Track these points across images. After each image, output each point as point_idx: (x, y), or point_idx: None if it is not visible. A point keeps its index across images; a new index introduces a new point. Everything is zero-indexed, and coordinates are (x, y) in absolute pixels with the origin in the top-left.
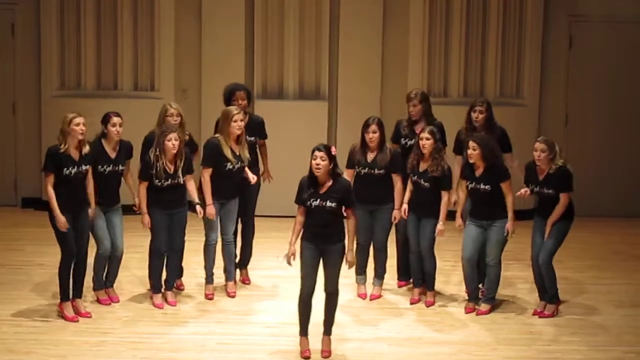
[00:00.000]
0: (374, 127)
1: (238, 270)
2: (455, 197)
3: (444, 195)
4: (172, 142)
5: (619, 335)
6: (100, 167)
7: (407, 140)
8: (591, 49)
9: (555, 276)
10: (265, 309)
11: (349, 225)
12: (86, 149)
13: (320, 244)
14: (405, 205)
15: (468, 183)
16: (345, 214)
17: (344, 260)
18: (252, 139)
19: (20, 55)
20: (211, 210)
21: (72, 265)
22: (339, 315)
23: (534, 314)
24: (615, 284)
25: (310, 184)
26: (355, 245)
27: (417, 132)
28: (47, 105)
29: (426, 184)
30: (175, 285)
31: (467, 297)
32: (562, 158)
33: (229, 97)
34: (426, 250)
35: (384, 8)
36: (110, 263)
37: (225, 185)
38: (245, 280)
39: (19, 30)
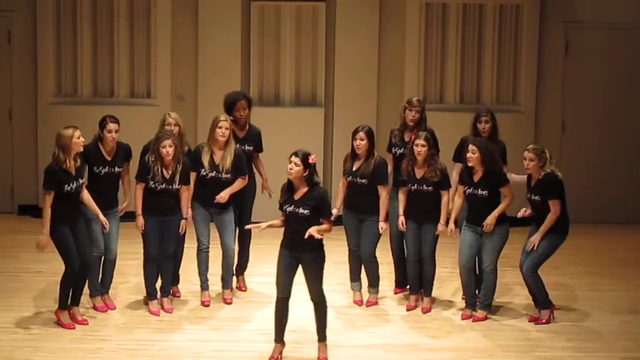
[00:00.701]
0: (361, 134)
1: (235, 277)
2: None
3: (444, 195)
4: (167, 149)
5: (615, 342)
6: (95, 168)
7: (397, 149)
8: (587, 55)
9: (543, 282)
10: (262, 315)
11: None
12: (79, 162)
13: (295, 251)
14: (402, 217)
15: (466, 188)
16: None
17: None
18: (250, 148)
19: (17, 62)
20: (183, 223)
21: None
22: (334, 322)
23: (530, 321)
24: (612, 290)
25: (287, 189)
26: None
27: (408, 139)
28: (43, 112)
29: (429, 188)
30: (171, 292)
31: (464, 304)
32: (553, 165)
33: (230, 107)
34: (428, 255)
35: (380, 15)
36: (104, 268)
37: (204, 192)
38: (242, 287)
39: (15, 37)
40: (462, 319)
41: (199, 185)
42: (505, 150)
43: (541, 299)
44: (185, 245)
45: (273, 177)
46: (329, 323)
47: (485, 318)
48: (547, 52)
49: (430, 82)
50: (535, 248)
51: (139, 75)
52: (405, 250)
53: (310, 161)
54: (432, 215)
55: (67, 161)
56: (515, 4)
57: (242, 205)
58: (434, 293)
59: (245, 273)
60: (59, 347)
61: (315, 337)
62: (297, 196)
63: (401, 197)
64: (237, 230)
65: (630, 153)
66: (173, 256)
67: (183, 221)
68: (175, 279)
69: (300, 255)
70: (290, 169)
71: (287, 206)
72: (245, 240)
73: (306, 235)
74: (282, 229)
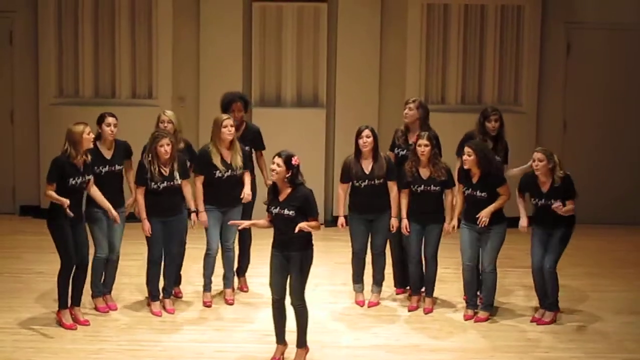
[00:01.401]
0: (367, 132)
1: (236, 278)
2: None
3: (448, 194)
4: (165, 148)
5: (617, 343)
6: (96, 168)
7: (399, 150)
8: (589, 55)
9: (558, 283)
10: (263, 316)
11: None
12: (88, 158)
13: (284, 251)
14: (405, 221)
15: (465, 189)
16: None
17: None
18: (248, 148)
19: (18, 63)
20: (203, 217)
21: (72, 274)
22: (336, 323)
23: (532, 321)
24: (613, 291)
25: (272, 190)
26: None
27: (412, 141)
28: (45, 113)
29: (436, 188)
30: (173, 292)
31: (465, 304)
32: (562, 168)
33: (226, 108)
34: (431, 255)
35: (382, 15)
36: (106, 267)
37: (219, 193)
38: (244, 288)
39: (17, 37)
40: (465, 320)
41: (212, 187)
42: (508, 150)
43: (552, 300)
44: (189, 246)
45: None
46: (331, 323)
47: (488, 319)
48: (548, 52)
49: (432, 82)
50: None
51: (141, 76)
52: (409, 251)
53: (293, 162)
54: (437, 216)
55: (79, 157)
56: (516, 4)
57: (244, 205)
58: (436, 294)
59: (247, 274)
60: (60, 347)
61: (318, 337)
62: (281, 197)
63: (403, 200)
64: (238, 231)
65: (631, 153)
66: (177, 257)
67: (193, 214)
68: (177, 280)
69: (289, 254)
70: (273, 170)
71: (272, 208)
72: (245, 241)
73: (296, 230)
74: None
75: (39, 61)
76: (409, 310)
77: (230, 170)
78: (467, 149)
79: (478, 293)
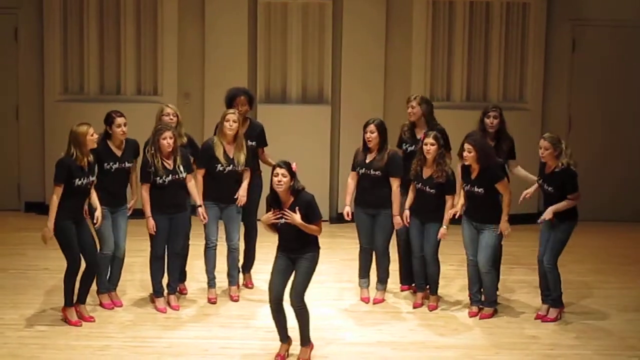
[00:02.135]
0: (371, 127)
1: (241, 274)
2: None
3: (448, 200)
4: (167, 141)
5: (622, 340)
6: (106, 164)
7: (407, 145)
8: (594, 52)
9: (560, 279)
10: (268, 313)
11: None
12: (91, 157)
13: (292, 255)
14: (407, 212)
15: (464, 185)
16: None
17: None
18: (253, 144)
19: (23, 59)
20: (201, 210)
21: (82, 272)
22: (342, 320)
23: (536, 318)
24: (618, 288)
25: (273, 202)
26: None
27: (419, 137)
28: (50, 110)
29: (431, 190)
30: (178, 289)
31: (469, 301)
32: (568, 155)
33: (229, 103)
34: (430, 255)
35: (387, 12)
36: (112, 265)
37: (219, 188)
38: (249, 284)
39: (22, 34)
40: (470, 317)
41: (212, 181)
42: (514, 146)
43: (554, 296)
44: (192, 243)
45: None
46: (337, 320)
47: (493, 315)
48: (553, 49)
49: (437, 79)
50: (545, 219)
51: (146, 72)
52: (412, 247)
53: (293, 169)
54: (435, 215)
55: (84, 158)
56: (521, 1)
57: (248, 201)
58: (440, 291)
59: (252, 270)
60: (65, 344)
61: (323, 334)
62: (286, 207)
63: (410, 193)
64: (244, 228)
65: (637, 149)
66: (180, 254)
67: (201, 209)
68: (182, 277)
69: (296, 256)
70: (279, 181)
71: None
72: (251, 238)
73: (288, 219)
74: None
75: (44, 58)
76: (414, 307)
77: (231, 165)
78: (466, 145)
79: (482, 290)
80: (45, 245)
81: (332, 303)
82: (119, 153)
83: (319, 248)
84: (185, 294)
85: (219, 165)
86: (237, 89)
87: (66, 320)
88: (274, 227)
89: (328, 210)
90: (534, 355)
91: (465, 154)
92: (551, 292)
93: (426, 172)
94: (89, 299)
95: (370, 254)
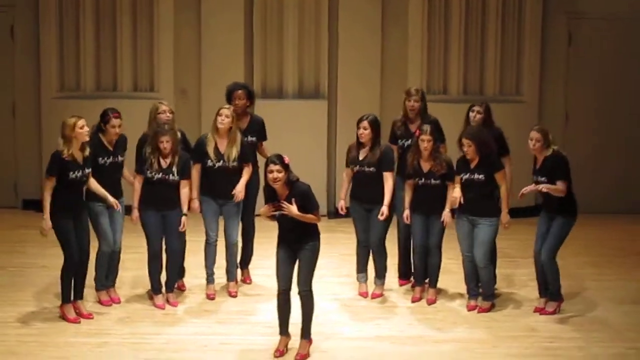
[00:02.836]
0: (365, 123)
1: (239, 270)
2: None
3: (449, 187)
4: (164, 145)
5: (620, 332)
6: (100, 159)
7: (403, 140)
8: (590, 45)
9: (559, 272)
10: (267, 308)
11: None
12: (87, 151)
13: (293, 244)
14: (407, 212)
15: (463, 175)
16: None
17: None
18: (254, 139)
19: (20, 57)
20: (195, 204)
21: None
22: (340, 314)
23: (535, 311)
24: (615, 280)
25: (270, 195)
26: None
27: (413, 131)
28: (46, 107)
29: (437, 181)
30: (177, 285)
31: (467, 295)
32: (555, 144)
33: (228, 98)
34: (435, 246)
35: (383, 6)
36: (109, 261)
37: (211, 183)
38: (247, 280)
39: (18, 32)
40: (468, 310)
41: (206, 176)
42: (503, 137)
43: (553, 289)
44: (191, 239)
45: None
46: (335, 315)
47: (490, 308)
48: (550, 43)
49: (434, 73)
50: (542, 189)
51: (142, 69)
52: (412, 242)
53: (286, 162)
54: (439, 207)
55: (68, 150)
56: None
57: (246, 197)
58: (439, 285)
59: (250, 266)
60: (64, 341)
61: (322, 329)
62: (282, 199)
63: (407, 191)
64: (241, 222)
65: (633, 143)
66: (177, 252)
67: (183, 218)
68: (180, 273)
69: (298, 246)
70: (275, 178)
71: (276, 212)
72: (249, 233)
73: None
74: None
75: (41, 55)
76: (412, 301)
77: (221, 161)
78: (466, 141)
79: (479, 284)
80: (45, 236)
81: (330, 298)
82: (111, 147)
83: (319, 236)
84: (184, 290)
85: (209, 160)
86: (235, 83)
87: (64, 317)
88: (273, 218)
89: (326, 205)
90: (533, 349)
91: (465, 149)
92: (549, 285)
93: (425, 167)
94: (87, 296)
95: (368, 249)
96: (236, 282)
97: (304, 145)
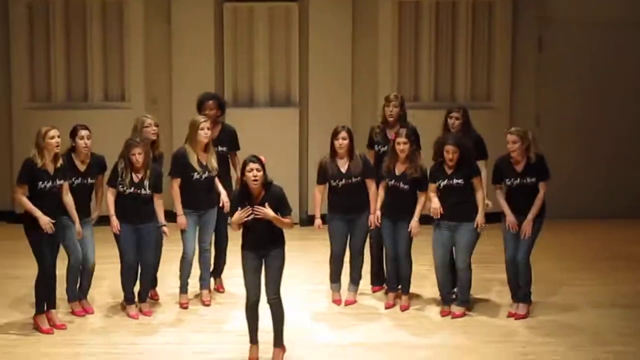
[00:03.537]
0: (343, 133)
1: (212, 279)
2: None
3: (420, 196)
4: (136, 157)
5: (596, 335)
6: (68, 180)
7: (379, 147)
8: (561, 50)
9: (531, 274)
10: (240, 317)
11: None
12: (60, 162)
13: (260, 249)
14: (378, 212)
15: (440, 182)
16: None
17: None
18: (224, 149)
19: None
20: (182, 220)
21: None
22: (315, 322)
23: (509, 316)
24: (591, 284)
25: (243, 197)
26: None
27: (391, 137)
28: (18, 117)
29: (405, 186)
30: (149, 295)
31: (441, 301)
32: (537, 146)
33: (199, 107)
34: (403, 253)
35: (353, 13)
36: (81, 276)
37: (197, 196)
38: (220, 289)
39: None
40: (442, 316)
41: (189, 189)
42: (483, 142)
43: (525, 291)
44: (166, 248)
45: None
46: (309, 322)
47: (464, 314)
48: (520, 48)
49: (405, 80)
50: (527, 235)
51: (113, 78)
52: (384, 247)
53: (264, 162)
54: (407, 213)
55: (39, 159)
56: (487, 1)
57: (219, 206)
58: (412, 290)
59: (223, 275)
60: (37, 352)
61: (295, 336)
62: (256, 202)
63: (380, 192)
64: (214, 232)
65: (605, 147)
66: (152, 265)
67: (165, 228)
68: (153, 282)
69: (265, 252)
70: (255, 176)
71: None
72: (222, 243)
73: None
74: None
75: (11, 66)
76: (386, 308)
77: (207, 172)
78: (450, 148)
79: (454, 290)
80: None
81: (304, 306)
82: (82, 168)
83: (284, 243)
84: (157, 299)
85: (195, 173)
86: (206, 93)
87: (37, 328)
88: (242, 225)
89: (298, 213)
90: (507, 353)
91: (450, 155)
92: (522, 287)
93: (399, 169)
94: (60, 305)
95: (342, 260)
96: (209, 290)
97: (276, 153)
